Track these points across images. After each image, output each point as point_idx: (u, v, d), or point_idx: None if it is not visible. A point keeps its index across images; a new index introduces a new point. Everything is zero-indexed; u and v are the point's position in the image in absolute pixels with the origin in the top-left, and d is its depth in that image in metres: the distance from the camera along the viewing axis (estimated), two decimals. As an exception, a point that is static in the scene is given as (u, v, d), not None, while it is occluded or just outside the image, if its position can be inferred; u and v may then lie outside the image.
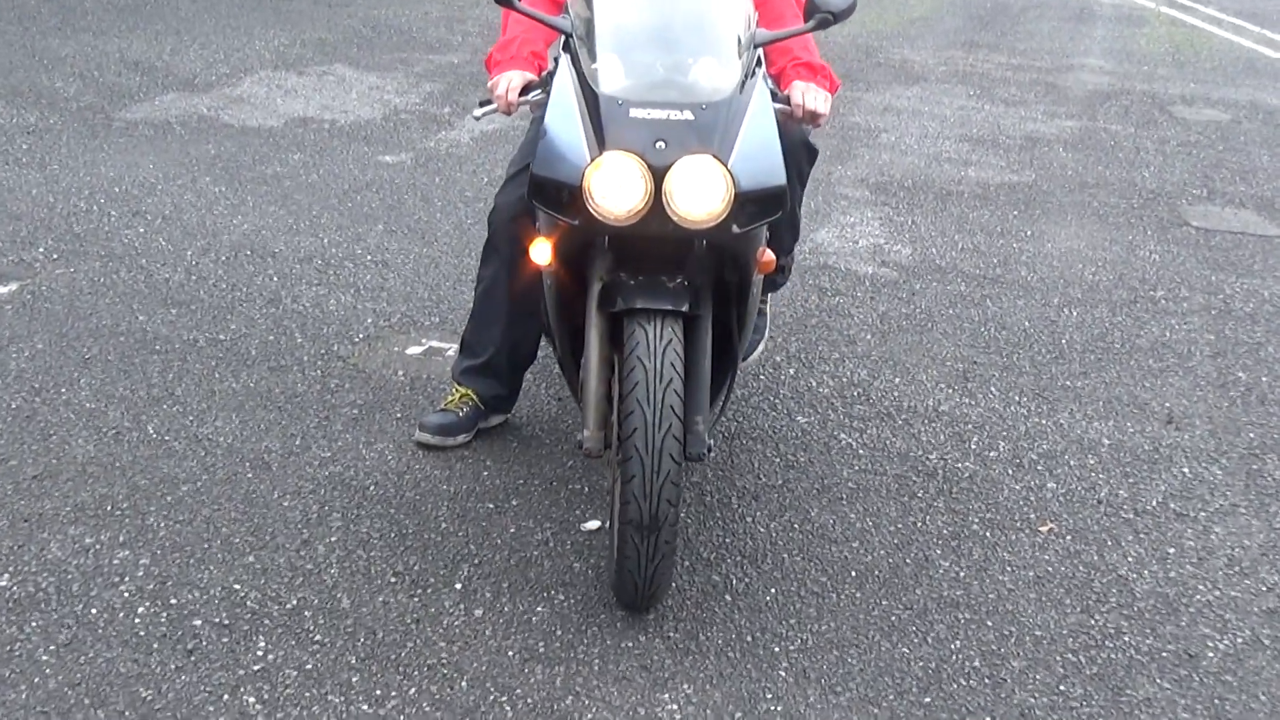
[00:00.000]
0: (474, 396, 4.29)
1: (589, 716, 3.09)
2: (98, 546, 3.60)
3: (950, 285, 6.05)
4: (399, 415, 4.46)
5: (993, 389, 4.99)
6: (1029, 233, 6.91)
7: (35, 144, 7.19)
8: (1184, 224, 7.23)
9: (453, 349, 4.54)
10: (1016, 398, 4.93)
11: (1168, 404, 4.95)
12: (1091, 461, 4.49)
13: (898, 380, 5.01)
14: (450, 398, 4.33)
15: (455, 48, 10.70)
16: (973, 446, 4.54)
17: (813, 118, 3.70)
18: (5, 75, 8.60)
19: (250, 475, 4.03)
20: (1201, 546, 4.00)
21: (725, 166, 3.14)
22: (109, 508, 3.79)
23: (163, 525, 3.73)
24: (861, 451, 4.45)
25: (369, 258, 5.89)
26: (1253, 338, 5.64)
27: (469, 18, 11.77)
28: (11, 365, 4.61)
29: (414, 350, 4.98)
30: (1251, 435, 4.75)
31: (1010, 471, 4.39)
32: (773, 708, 3.16)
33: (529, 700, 3.12)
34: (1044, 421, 4.75)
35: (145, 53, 9.63)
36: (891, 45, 12.30)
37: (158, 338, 4.91)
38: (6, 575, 3.44)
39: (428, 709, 3.07)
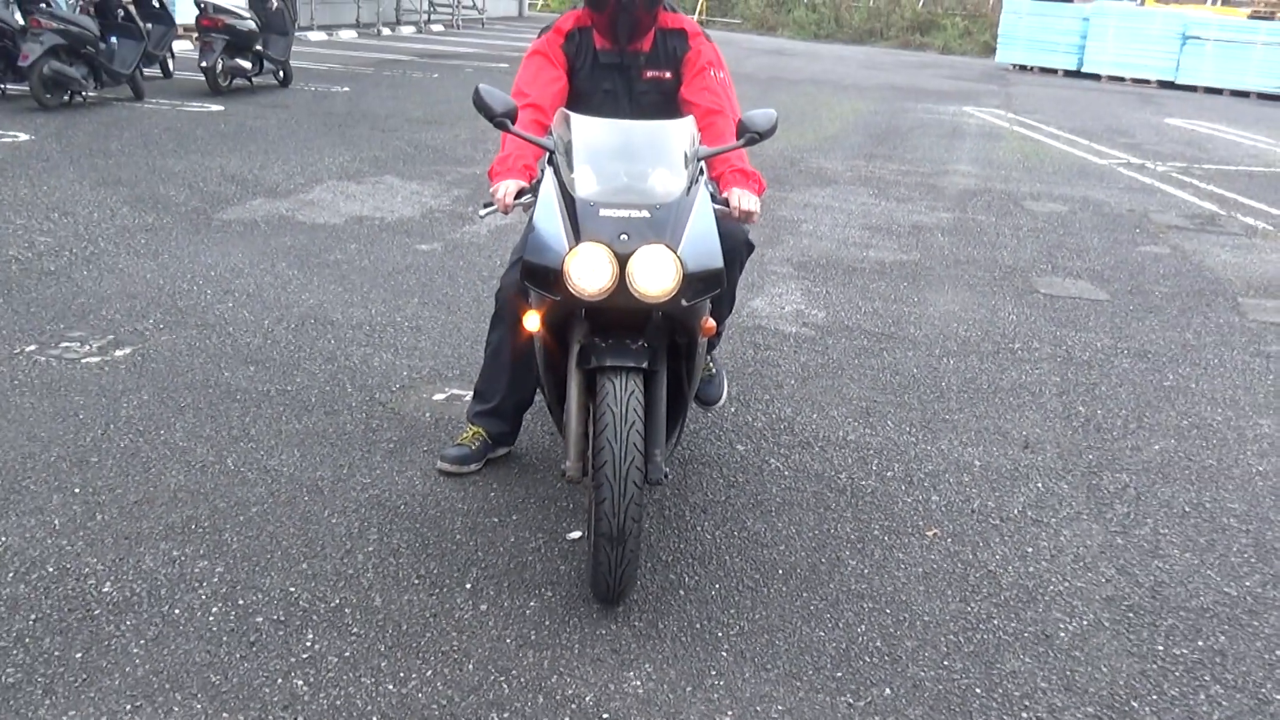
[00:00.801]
0: (484, 433, 4.16)
1: (570, 692, 2.93)
2: (182, 558, 3.43)
3: (855, 341, 5.92)
4: (425, 449, 4.31)
5: (889, 422, 4.85)
6: (915, 299, 6.78)
7: (151, 238, 7.03)
8: (1034, 291, 7.11)
9: (469, 395, 4.39)
10: (907, 429, 4.79)
11: (1024, 432, 4.82)
12: (966, 479, 4.35)
13: (815, 416, 4.87)
14: (465, 434, 4.19)
15: (478, 161, 10.56)
16: (874, 468, 4.40)
17: (747, 216, 3.61)
18: (131, 187, 8.45)
19: (306, 498, 3.87)
20: (1053, 546, 3.86)
21: (675, 254, 3.09)
22: (193, 526, 3.63)
23: (235, 540, 3.57)
24: (787, 473, 4.31)
25: (406, 324, 5.74)
26: (1089, 379, 5.51)
27: (489, 139, 11.59)
28: (123, 412, 4.45)
29: (439, 396, 4.83)
30: (1091, 457, 4.61)
31: (903, 487, 4.25)
32: (716, 682, 3.01)
33: (522, 680, 2.97)
34: (929, 447, 4.62)
35: (240, 168, 9.48)
36: (810, 156, 12.21)
37: (239, 389, 4.75)
38: (109, 583, 3.28)
39: (440, 688, 2.91)
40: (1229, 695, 3.08)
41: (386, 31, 26.87)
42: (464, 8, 30.88)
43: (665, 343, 3.32)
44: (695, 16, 31.76)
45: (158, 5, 13.34)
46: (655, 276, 3.07)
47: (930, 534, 3.91)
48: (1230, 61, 22.51)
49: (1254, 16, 23.14)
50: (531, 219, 3.33)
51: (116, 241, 6.90)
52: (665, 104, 3.99)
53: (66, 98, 11.70)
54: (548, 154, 3.51)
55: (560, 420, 3.64)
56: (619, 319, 3.20)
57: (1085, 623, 3.40)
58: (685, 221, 3.18)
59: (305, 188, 8.94)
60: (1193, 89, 23.15)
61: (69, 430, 4.26)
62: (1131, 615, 3.45)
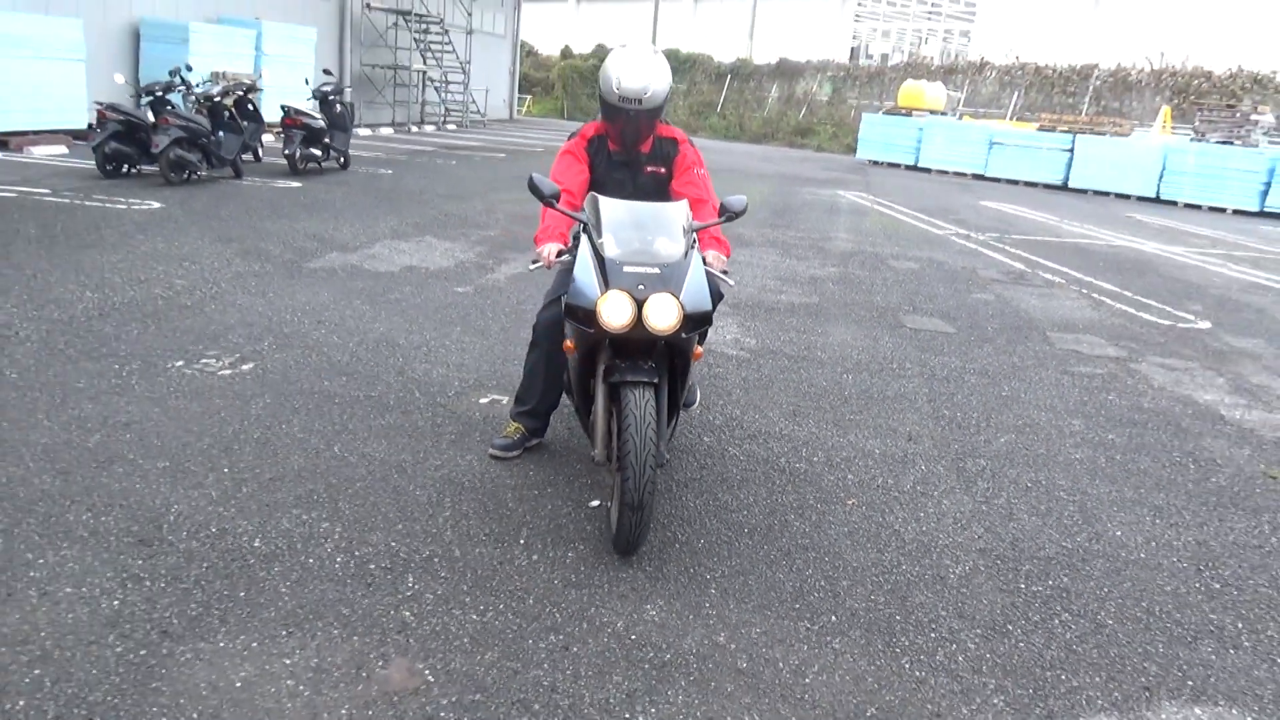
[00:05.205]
0: (522, 428, 4.13)
1: (605, 620, 2.92)
2: (310, 521, 3.38)
3: (779, 361, 5.95)
4: (478, 439, 4.26)
5: (810, 421, 4.88)
6: (819, 331, 6.83)
7: (258, 282, 6.90)
8: (902, 326, 7.19)
9: (507, 399, 4.37)
10: (825, 426, 4.82)
11: (907, 428, 4.87)
12: (870, 462, 4.39)
13: (756, 416, 4.89)
14: (508, 429, 4.16)
15: (491, 226, 10.49)
16: (803, 454, 4.42)
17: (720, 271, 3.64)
18: (239, 242, 8.29)
19: (395, 476, 3.82)
20: (937, 512, 3.90)
21: (678, 300, 3.12)
22: (315, 497, 3.57)
23: (347, 507, 3.51)
24: (742, 458, 4.32)
25: (453, 346, 5.67)
26: (949, 390, 5.59)
27: (498, 210, 11.54)
28: (252, 411, 4.36)
29: (483, 400, 4.78)
30: (956, 446, 4.67)
31: (826, 469, 4.27)
32: (710, 612, 3.02)
33: (569, 610, 2.95)
34: (841, 439, 4.65)
35: (319, 229, 9.34)
36: (730, 226, 12.22)
37: (336, 395, 4.68)
38: (258, 539, 3.22)
39: (511, 617, 2.89)
40: (1075, 620, 3.14)
41: (415, 129, 26.63)
42: (471, 113, 30.66)
43: (667, 364, 3.33)
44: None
45: (252, 108, 13.12)
46: (664, 316, 3.10)
47: (850, 503, 3.94)
48: (1024, 161, 22.93)
49: (1041, 129, 23.62)
50: (571, 271, 3.33)
51: (233, 283, 6.77)
52: (660, 191, 4.01)
53: (186, 176, 11.45)
54: (581, 225, 3.51)
55: (585, 419, 3.63)
56: (635, 346, 3.21)
57: (967, 568, 3.45)
58: (685, 276, 3.21)
59: (367, 244, 8.81)
60: (997, 180, 23.56)
61: (214, 425, 4.18)
62: (999, 562, 3.51)
